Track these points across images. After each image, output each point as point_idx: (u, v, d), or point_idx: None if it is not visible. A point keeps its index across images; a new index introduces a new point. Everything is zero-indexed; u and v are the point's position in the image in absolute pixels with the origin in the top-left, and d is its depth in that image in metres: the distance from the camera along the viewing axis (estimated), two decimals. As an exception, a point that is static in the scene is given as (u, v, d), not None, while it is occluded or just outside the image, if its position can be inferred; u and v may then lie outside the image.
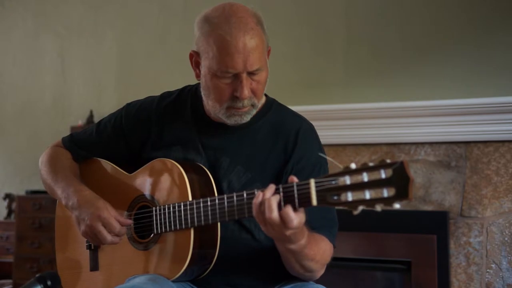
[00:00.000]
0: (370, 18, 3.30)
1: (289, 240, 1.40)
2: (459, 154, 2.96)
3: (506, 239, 2.85)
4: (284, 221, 1.33)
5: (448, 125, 2.95)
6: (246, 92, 1.54)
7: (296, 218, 1.33)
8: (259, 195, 1.36)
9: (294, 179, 1.35)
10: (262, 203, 1.35)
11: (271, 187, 1.36)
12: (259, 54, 1.53)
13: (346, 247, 3.05)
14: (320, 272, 1.57)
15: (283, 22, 3.43)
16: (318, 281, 1.62)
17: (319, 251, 1.52)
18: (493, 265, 2.86)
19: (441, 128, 2.96)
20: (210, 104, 1.62)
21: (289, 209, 1.33)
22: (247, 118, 1.61)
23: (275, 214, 1.33)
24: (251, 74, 1.54)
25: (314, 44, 3.41)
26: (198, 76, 1.63)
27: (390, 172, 1.22)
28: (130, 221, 1.65)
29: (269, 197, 1.35)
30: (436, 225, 2.96)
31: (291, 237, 1.38)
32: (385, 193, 1.22)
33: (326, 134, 3.00)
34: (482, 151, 2.92)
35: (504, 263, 2.84)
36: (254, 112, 1.61)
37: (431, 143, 3.02)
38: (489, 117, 2.87)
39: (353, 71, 3.31)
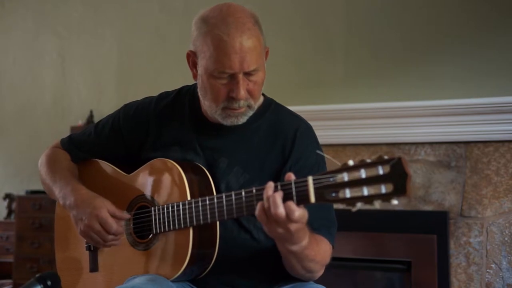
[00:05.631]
0: (370, 18, 3.30)
1: (291, 240, 1.39)
2: (459, 154, 2.96)
3: (506, 239, 2.85)
4: (286, 213, 1.32)
5: (448, 125, 2.94)
6: (242, 92, 1.53)
7: (298, 210, 1.32)
8: (266, 192, 1.35)
9: (292, 177, 1.35)
10: (266, 200, 1.34)
11: (270, 185, 1.35)
12: (256, 55, 1.53)
13: (346, 247, 3.05)
14: (320, 272, 1.57)
15: (283, 22, 3.43)
16: (318, 281, 1.62)
17: (319, 252, 1.51)
18: (493, 265, 2.86)
19: (441, 128, 2.96)
20: (206, 105, 1.61)
21: (290, 202, 1.32)
22: (243, 120, 1.60)
23: (280, 209, 1.31)
24: (247, 74, 1.53)
25: (314, 44, 3.41)
26: (195, 76, 1.63)
27: (387, 168, 1.21)
28: (127, 215, 1.65)
29: (271, 194, 1.34)
30: (436, 225, 2.95)
31: (294, 235, 1.37)
32: (383, 189, 1.21)
33: (326, 134, 3.01)
34: (482, 151, 2.92)
35: (504, 263, 2.84)
36: (250, 113, 1.60)
37: (431, 143, 3.01)
38: (489, 117, 2.87)
39: (353, 71, 3.31)
